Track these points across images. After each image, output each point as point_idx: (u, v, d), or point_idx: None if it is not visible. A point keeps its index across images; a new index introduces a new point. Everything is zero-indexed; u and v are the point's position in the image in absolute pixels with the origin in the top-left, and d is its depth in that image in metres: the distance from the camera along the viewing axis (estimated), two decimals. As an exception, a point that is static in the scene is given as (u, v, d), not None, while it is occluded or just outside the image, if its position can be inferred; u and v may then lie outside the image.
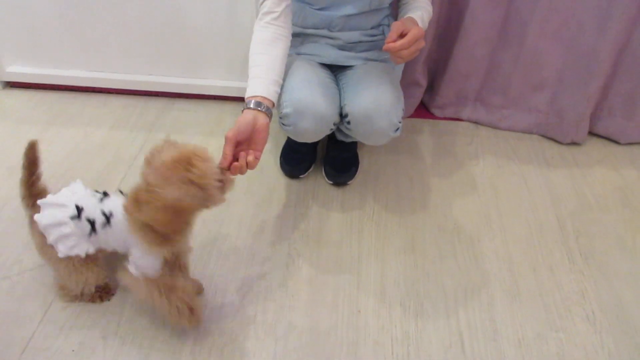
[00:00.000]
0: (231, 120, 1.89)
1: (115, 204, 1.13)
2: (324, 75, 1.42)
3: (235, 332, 1.22)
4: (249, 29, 1.73)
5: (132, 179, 1.63)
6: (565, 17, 1.62)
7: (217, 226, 1.48)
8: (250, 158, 1.11)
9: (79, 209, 1.11)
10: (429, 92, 1.93)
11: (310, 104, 1.31)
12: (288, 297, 1.30)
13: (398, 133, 1.38)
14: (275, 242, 1.45)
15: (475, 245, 1.45)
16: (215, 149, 1.78)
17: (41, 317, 1.23)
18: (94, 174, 1.63)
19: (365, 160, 1.70)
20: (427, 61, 1.83)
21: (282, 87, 1.34)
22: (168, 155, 0.99)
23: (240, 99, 1.80)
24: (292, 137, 1.41)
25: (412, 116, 1.92)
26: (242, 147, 1.13)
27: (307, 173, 1.65)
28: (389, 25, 1.45)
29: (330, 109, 1.34)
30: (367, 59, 1.46)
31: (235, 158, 1.11)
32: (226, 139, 1.10)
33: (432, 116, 1.93)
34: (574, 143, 1.81)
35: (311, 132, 1.36)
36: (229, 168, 1.09)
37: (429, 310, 1.28)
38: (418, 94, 1.88)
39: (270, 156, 1.72)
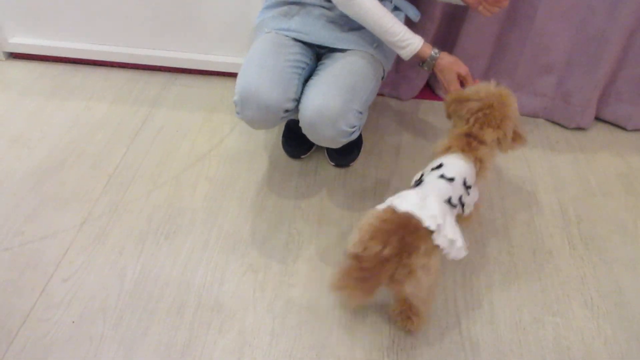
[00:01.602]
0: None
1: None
2: (290, 59, 1.33)
3: (234, 309, 1.23)
4: (254, 4, 1.71)
5: (134, 154, 1.62)
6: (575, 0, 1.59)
7: (219, 203, 1.48)
8: None
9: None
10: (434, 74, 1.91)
11: (254, 92, 1.25)
12: (287, 275, 1.31)
13: (354, 136, 1.33)
14: (276, 221, 1.44)
15: (475, 228, 1.45)
16: (217, 125, 1.79)
17: (42, 288, 1.24)
18: (96, 148, 1.63)
19: (368, 141, 1.69)
20: (433, 41, 1.80)
21: (241, 68, 1.32)
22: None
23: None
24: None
25: (417, 97, 1.90)
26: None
27: (309, 153, 1.64)
28: (391, 2, 1.40)
29: (278, 97, 1.26)
30: (355, 44, 1.38)
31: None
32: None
33: (437, 98, 1.91)
34: (579, 128, 1.79)
35: (257, 120, 1.31)
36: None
37: (427, 292, 1.28)
38: (423, 75, 1.86)
39: (272, 136, 1.71)
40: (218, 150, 1.66)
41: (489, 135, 1.17)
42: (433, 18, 1.68)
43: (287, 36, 1.39)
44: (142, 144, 1.66)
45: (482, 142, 1.18)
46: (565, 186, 1.59)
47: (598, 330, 1.23)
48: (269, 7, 1.45)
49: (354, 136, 1.33)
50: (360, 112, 1.32)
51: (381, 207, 1.08)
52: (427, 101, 1.90)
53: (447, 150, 1.18)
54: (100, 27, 1.89)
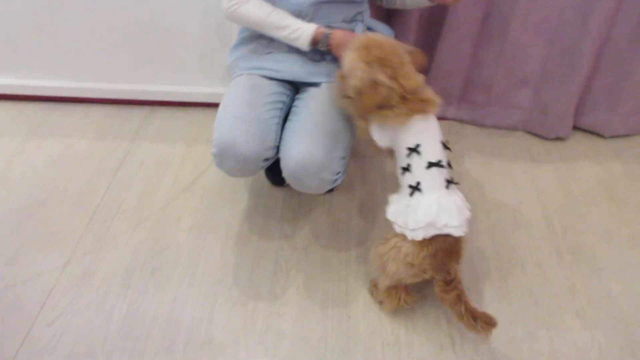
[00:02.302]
0: (215, 126, 1.87)
1: None
2: (266, 102, 1.31)
3: (224, 343, 1.21)
4: (230, 34, 1.72)
5: (116, 189, 1.61)
6: (546, 12, 1.62)
7: (204, 235, 1.47)
8: None
9: None
10: (413, 91, 1.93)
11: (231, 147, 1.23)
12: (277, 305, 1.29)
13: (338, 182, 1.31)
14: (263, 250, 1.43)
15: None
16: (199, 156, 1.77)
17: (25, 333, 1.21)
18: (77, 186, 1.61)
19: (351, 164, 1.69)
20: (410, 61, 1.82)
21: (217, 116, 1.31)
22: None
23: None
24: None
25: (397, 116, 1.92)
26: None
27: (293, 178, 1.64)
28: (363, 22, 1.38)
29: (254, 150, 1.24)
30: (330, 76, 1.36)
31: None
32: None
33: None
34: (559, 138, 1.81)
35: (237, 171, 1.29)
36: None
37: (419, 313, 1.28)
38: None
39: (255, 161, 1.70)
40: (201, 181, 1.64)
41: (413, 77, 1.15)
42: (407, 37, 1.71)
43: (260, 75, 1.37)
44: (124, 179, 1.65)
45: (413, 90, 1.15)
46: (549, 197, 1.60)
47: (592, 340, 1.22)
48: (238, 45, 1.44)
49: (339, 182, 1.31)
50: (343, 157, 1.30)
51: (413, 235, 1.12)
52: (407, 120, 1.91)
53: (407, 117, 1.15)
54: (77, 64, 1.88)
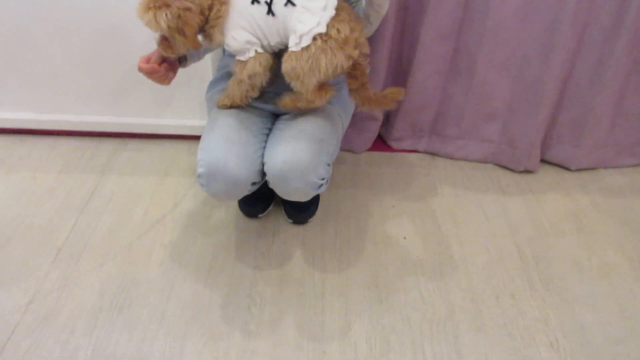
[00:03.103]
0: (187, 159, 1.85)
1: None
2: (253, 127, 1.34)
3: (196, 383, 1.16)
4: (203, 67, 1.72)
5: (84, 224, 1.56)
6: (510, 50, 1.68)
7: (175, 270, 1.43)
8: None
9: None
10: (385, 125, 1.96)
11: (222, 167, 1.23)
12: (251, 341, 1.26)
13: (322, 189, 1.32)
14: (236, 284, 1.40)
15: (438, 277, 1.45)
16: (170, 188, 1.75)
17: None
18: (43, 221, 1.56)
19: (324, 195, 1.69)
20: (381, 95, 1.85)
21: (202, 139, 1.31)
22: None
23: (196, 137, 1.79)
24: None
25: (369, 149, 1.94)
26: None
27: (266, 212, 1.62)
28: None
29: (245, 172, 1.25)
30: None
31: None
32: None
33: (389, 149, 1.95)
34: (527, 171, 1.86)
35: (224, 194, 1.29)
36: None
37: (395, 346, 1.26)
38: (375, 128, 1.90)
39: (228, 195, 1.69)
40: (173, 214, 1.61)
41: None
42: (379, 72, 1.74)
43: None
44: (93, 213, 1.61)
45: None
46: (520, 228, 1.63)
47: (566, 372, 1.23)
48: (215, 81, 1.46)
49: (322, 189, 1.32)
50: (328, 165, 1.31)
51: None
52: (380, 152, 1.93)
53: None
54: (45, 96, 1.84)
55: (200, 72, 1.74)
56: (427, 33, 1.66)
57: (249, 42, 1.20)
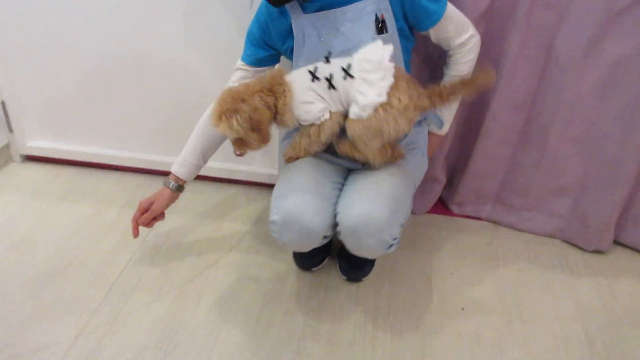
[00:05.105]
0: (245, 205, 1.85)
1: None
2: (329, 179, 1.33)
3: None
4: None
5: (139, 261, 1.57)
6: (587, 125, 1.61)
7: (223, 317, 1.40)
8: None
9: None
10: (447, 188, 1.91)
11: (297, 217, 1.20)
12: (294, 403, 1.20)
13: (392, 249, 1.27)
14: (283, 338, 1.35)
15: (497, 355, 1.35)
16: (226, 233, 1.75)
17: None
18: (100, 254, 1.58)
19: (381, 258, 1.63)
20: (447, 157, 1.82)
21: (276, 187, 1.32)
22: None
23: (256, 184, 1.79)
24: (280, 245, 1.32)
25: (429, 212, 1.88)
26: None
27: (320, 265, 1.59)
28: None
29: (320, 224, 1.22)
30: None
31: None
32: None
33: (450, 213, 1.89)
34: (598, 251, 1.74)
35: (296, 244, 1.27)
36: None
37: None
38: (437, 190, 1.86)
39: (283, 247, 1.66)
40: (226, 260, 1.60)
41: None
42: (445, 137, 1.71)
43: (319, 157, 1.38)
44: (148, 251, 1.62)
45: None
46: (590, 313, 1.50)
47: None
48: (291, 132, 1.47)
49: (392, 249, 1.27)
50: (402, 225, 1.27)
51: None
52: (440, 216, 1.88)
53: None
54: (116, 133, 1.93)
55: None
56: (499, 102, 1.63)
57: (321, 110, 1.23)
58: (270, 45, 1.38)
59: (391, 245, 1.25)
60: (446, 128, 1.52)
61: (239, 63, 1.42)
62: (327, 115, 1.24)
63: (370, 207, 1.20)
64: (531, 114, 1.66)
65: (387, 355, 1.33)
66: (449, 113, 1.49)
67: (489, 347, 1.37)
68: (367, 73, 1.17)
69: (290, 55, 1.36)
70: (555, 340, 1.41)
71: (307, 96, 1.22)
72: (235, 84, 1.33)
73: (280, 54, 1.42)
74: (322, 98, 1.23)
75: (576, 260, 1.71)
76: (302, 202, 1.22)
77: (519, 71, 1.58)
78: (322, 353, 1.32)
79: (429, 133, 1.53)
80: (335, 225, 1.26)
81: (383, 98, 1.16)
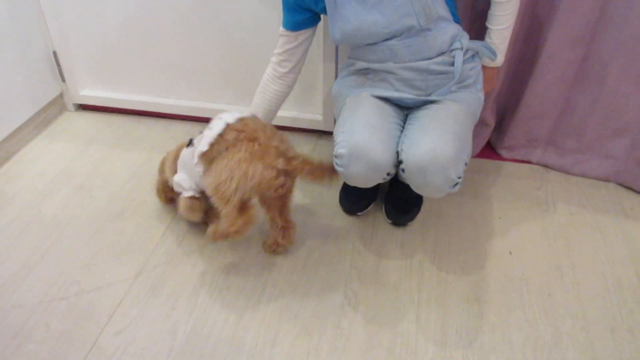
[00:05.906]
0: (303, 149, 1.86)
1: None
2: (391, 119, 1.34)
3: (286, 374, 1.17)
4: (317, 62, 1.72)
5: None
6: (650, 61, 1.52)
7: (272, 259, 1.45)
8: None
9: None
10: (496, 131, 1.86)
11: (367, 150, 1.23)
12: (342, 339, 1.24)
13: (457, 188, 1.26)
14: (331, 281, 1.39)
15: (545, 299, 1.35)
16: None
17: (94, 341, 1.22)
18: (154, 199, 1.64)
19: (427, 199, 1.63)
20: (496, 99, 1.76)
21: (339, 123, 1.32)
22: None
23: (314, 131, 1.79)
24: (344, 179, 1.33)
25: (477, 156, 1.84)
26: None
27: (366, 210, 1.60)
28: (462, 49, 1.31)
29: (386, 157, 1.25)
30: (444, 94, 1.35)
31: None
32: None
33: (499, 157, 1.85)
34: (655, 194, 1.68)
35: (362, 177, 1.28)
36: None
37: (494, 367, 1.19)
38: (485, 134, 1.81)
39: (329, 191, 1.68)
40: (274, 204, 1.63)
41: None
42: (498, 74, 1.65)
43: (378, 97, 1.37)
44: (199, 195, 1.67)
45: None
46: (644, 257, 1.47)
47: None
48: (347, 76, 1.46)
49: (457, 189, 1.27)
50: (466, 164, 1.27)
51: None
52: (488, 160, 1.84)
53: None
54: (164, 81, 1.95)
55: (314, 66, 1.75)
56: (556, 37, 1.54)
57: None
58: (304, 7, 1.35)
59: (456, 184, 1.25)
60: (500, 59, 1.42)
61: (281, 30, 1.40)
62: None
63: (437, 144, 1.20)
64: (590, 49, 1.57)
65: (432, 297, 1.35)
66: (501, 42, 1.38)
67: (537, 291, 1.37)
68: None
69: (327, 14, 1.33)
70: (606, 284, 1.39)
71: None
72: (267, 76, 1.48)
73: (319, 15, 1.39)
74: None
75: (631, 204, 1.65)
76: (371, 136, 1.24)
77: (579, 3, 1.48)
78: (369, 295, 1.35)
79: (483, 67, 1.44)
80: (398, 163, 1.27)
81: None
